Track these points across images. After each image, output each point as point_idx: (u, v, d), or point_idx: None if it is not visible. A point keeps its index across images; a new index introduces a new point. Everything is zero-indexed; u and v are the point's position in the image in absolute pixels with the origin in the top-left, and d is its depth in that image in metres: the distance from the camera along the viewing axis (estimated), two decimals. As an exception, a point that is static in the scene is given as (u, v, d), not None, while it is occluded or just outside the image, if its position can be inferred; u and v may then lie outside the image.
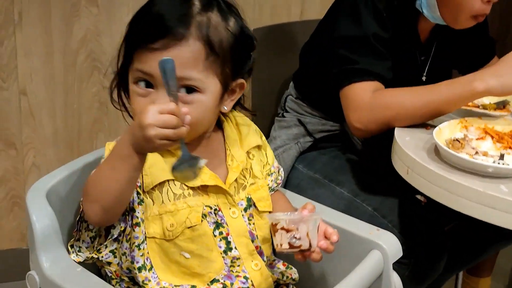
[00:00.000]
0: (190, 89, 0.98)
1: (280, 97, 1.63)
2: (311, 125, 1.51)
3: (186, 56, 0.97)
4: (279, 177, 1.20)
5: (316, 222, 0.98)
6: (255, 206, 1.10)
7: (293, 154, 1.50)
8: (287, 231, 0.96)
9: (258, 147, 1.16)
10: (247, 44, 1.06)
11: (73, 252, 1.03)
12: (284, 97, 1.59)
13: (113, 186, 0.91)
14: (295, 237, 0.96)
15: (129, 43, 1.00)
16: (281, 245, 0.97)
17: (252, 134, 1.15)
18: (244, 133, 1.13)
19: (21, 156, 1.88)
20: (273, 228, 0.98)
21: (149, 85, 0.98)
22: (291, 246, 0.97)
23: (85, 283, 0.93)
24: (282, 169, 1.22)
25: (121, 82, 1.05)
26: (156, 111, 0.86)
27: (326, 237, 1.01)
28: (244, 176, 1.10)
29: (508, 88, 1.16)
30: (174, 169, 0.91)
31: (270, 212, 1.11)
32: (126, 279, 1.04)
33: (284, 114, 1.56)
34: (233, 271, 1.05)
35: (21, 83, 1.81)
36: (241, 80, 1.06)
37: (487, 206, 0.99)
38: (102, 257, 1.02)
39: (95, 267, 1.06)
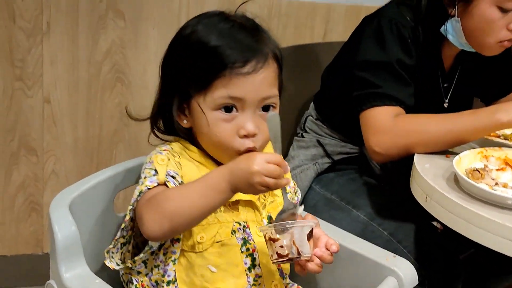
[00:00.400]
0: (267, 107, 1.02)
1: (300, 117, 1.64)
2: (329, 147, 1.52)
3: (272, 75, 1.01)
4: (296, 198, 1.21)
5: (303, 229, 0.96)
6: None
7: (310, 175, 1.51)
8: (274, 240, 0.95)
9: None
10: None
11: (108, 258, 1.04)
12: (304, 117, 1.60)
13: (194, 212, 0.93)
14: (281, 246, 0.94)
15: (207, 71, 0.99)
16: (271, 256, 0.96)
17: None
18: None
19: (41, 163, 1.90)
20: (264, 240, 0.98)
21: (230, 109, 1.00)
22: (279, 255, 0.95)
23: (103, 294, 0.94)
24: (299, 191, 1.22)
25: (168, 108, 1.05)
26: (264, 160, 0.90)
27: (327, 249, 1.00)
28: (264, 195, 1.11)
29: None
30: (277, 217, 0.96)
31: None
32: None
33: (304, 134, 1.57)
34: None
35: (46, 91, 1.84)
36: None
37: (506, 238, 0.99)
38: (135, 266, 1.04)
39: (113, 276, 1.07)
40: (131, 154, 1.96)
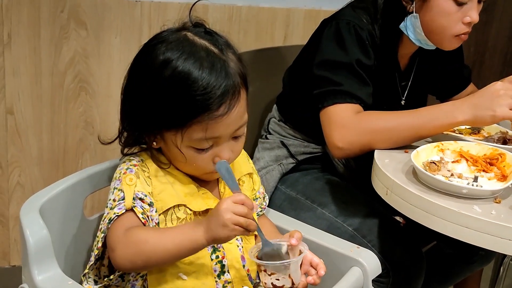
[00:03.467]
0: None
1: (263, 119, 1.67)
2: (293, 147, 1.55)
3: (243, 105, 1.04)
4: (264, 203, 1.24)
5: (298, 262, 1.02)
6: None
7: (276, 175, 1.54)
8: (270, 274, 0.99)
9: (249, 174, 1.20)
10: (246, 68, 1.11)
11: (84, 281, 1.06)
12: (268, 119, 1.63)
13: (168, 257, 0.98)
14: (277, 279, 0.99)
15: (184, 114, 1.00)
16: (265, 283, 1.01)
17: (243, 162, 1.20)
18: (236, 161, 1.16)
19: (6, 174, 1.89)
20: (258, 267, 1.02)
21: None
22: (274, 286, 1.00)
23: (76, 296, 0.95)
24: (267, 196, 1.26)
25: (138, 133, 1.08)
26: (230, 200, 0.95)
27: (312, 266, 1.04)
28: None
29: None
30: (262, 258, 1.00)
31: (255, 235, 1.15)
32: None
33: (267, 136, 1.60)
34: None
35: (8, 102, 1.83)
36: None
37: (462, 226, 1.04)
38: (113, 282, 1.06)
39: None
40: (97, 162, 1.93)
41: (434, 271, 1.57)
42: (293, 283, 1.00)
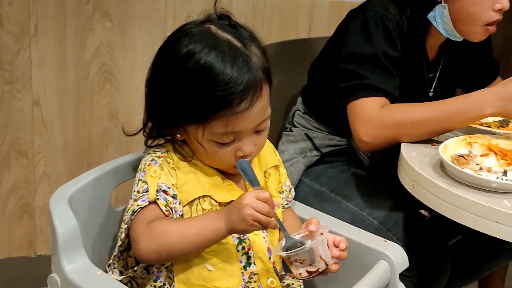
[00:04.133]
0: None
1: (287, 112, 1.66)
2: (318, 140, 1.54)
3: (265, 100, 1.03)
4: (290, 196, 1.24)
5: (324, 242, 1.01)
6: None
7: (300, 168, 1.53)
8: (301, 262, 0.99)
9: (275, 166, 1.20)
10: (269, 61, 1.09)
11: (109, 271, 1.07)
12: (292, 112, 1.62)
13: (191, 248, 1.00)
14: (310, 264, 0.99)
15: (206, 109, 1.00)
16: (300, 274, 1.00)
17: (269, 154, 1.20)
18: (262, 154, 1.16)
19: (32, 165, 1.91)
20: (287, 261, 1.01)
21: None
22: (310, 273, 1.00)
23: (104, 285, 0.97)
24: (293, 189, 1.25)
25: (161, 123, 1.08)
26: (253, 195, 0.96)
27: (335, 246, 1.04)
28: None
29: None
30: (288, 248, 1.00)
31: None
32: None
33: (292, 128, 1.60)
34: (249, 287, 1.08)
35: (35, 94, 1.85)
36: None
37: (490, 220, 1.03)
38: (138, 274, 1.07)
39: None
40: (121, 154, 1.93)
41: (459, 266, 1.55)
42: (326, 264, 1.00)
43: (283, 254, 1.00)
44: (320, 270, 1.00)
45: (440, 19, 1.38)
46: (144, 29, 1.90)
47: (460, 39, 1.42)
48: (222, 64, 0.98)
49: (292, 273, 1.04)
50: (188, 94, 1.00)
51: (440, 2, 1.36)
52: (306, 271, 0.99)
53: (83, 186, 1.09)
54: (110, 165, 1.15)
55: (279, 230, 1.15)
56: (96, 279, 0.97)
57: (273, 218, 0.95)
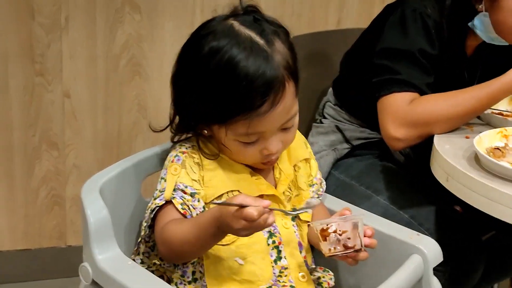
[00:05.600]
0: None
1: (317, 103, 1.65)
2: (348, 132, 1.52)
3: (290, 98, 1.01)
4: (321, 189, 1.22)
5: (362, 224, 0.99)
6: (298, 217, 1.13)
7: (329, 161, 1.52)
8: (340, 234, 0.97)
9: (306, 159, 1.19)
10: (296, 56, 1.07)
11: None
12: (323, 103, 1.61)
13: (195, 251, 1.01)
14: (348, 238, 0.97)
15: (230, 110, 0.98)
16: (334, 248, 0.98)
17: (300, 147, 1.18)
18: (292, 147, 1.14)
19: (63, 156, 1.93)
20: (323, 233, 0.99)
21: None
22: (346, 247, 0.98)
23: (136, 275, 0.97)
24: (324, 182, 1.24)
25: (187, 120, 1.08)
26: (231, 215, 0.90)
27: (364, 235, 1.02)
28: (290, 188, 1.13)
29: None
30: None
31: (308, 222, 1.13)
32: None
33: (322, 120, 1.58)
34: (280, 281, 1.07)
35: (65, 85, 1.86)
36: None
37: (527, 214, 1.01)
38: (164, 264, 1.08)
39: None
40: (149, 145, 1.95)
41: (493, 262, 1.52)
42: (361, 245, 0.98)
43: (324, 221, 0.98)
44: (356, 248, 0.98)
45: (482, 28, 1.35)
46: (173, 22, 1.91)
47: (506, 43, 1.37)
48: (244, 62, 0.96)
49: (324, 255, 1.01)
50: (209, 93, 0.99)
51: (482, 11, 1.33)
52: (343, 245, 0.98)
53: (113, 177, 1.09)
54: (139, 155, 1.15)
55: (308, 225, 1.13)
56: (128, 269, 0.97)
57: (265, 214, 0.90)
